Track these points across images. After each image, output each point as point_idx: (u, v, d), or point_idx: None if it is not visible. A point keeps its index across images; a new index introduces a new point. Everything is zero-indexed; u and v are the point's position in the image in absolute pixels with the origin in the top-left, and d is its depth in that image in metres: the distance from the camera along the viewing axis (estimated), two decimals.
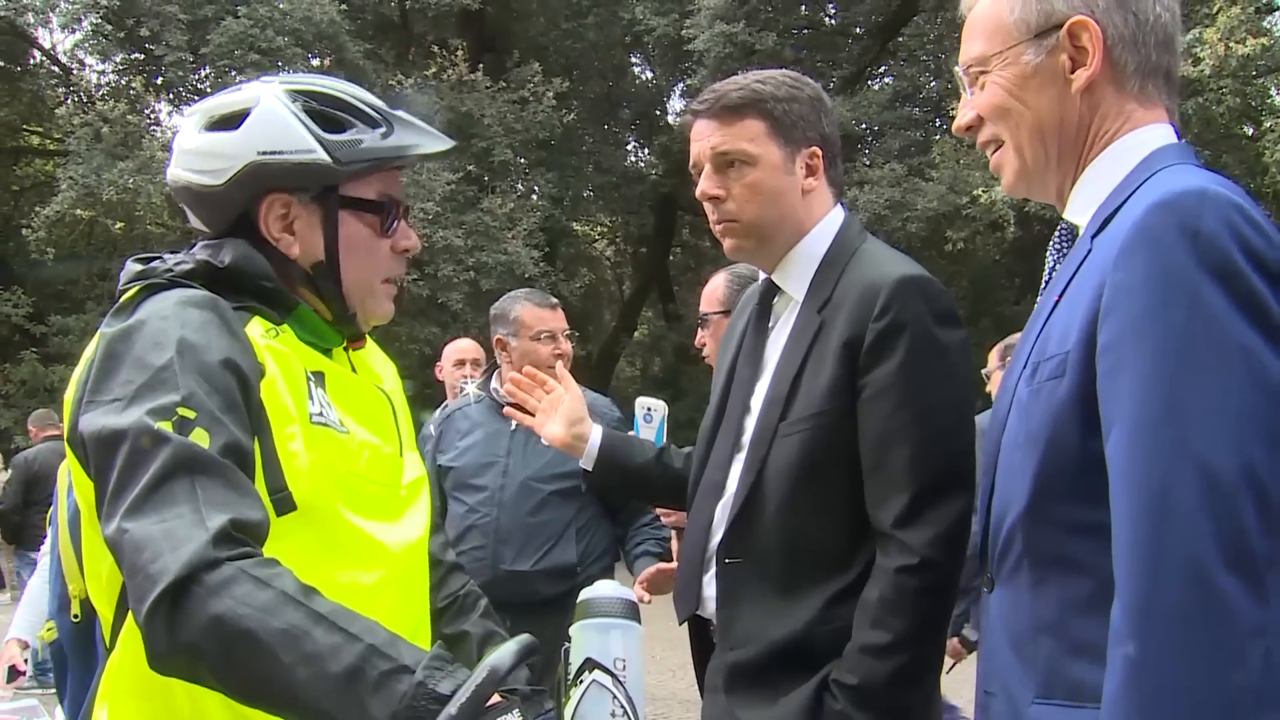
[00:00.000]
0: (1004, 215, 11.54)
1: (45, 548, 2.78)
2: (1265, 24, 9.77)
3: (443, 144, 1.39)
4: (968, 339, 1.65)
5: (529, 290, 3.44)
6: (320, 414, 1.23)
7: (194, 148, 1.32)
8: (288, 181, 1.30)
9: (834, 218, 1.75)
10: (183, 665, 1.01)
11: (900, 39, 16.10)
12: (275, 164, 1.28)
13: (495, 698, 0.94)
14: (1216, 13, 9.43)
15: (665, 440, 2.14)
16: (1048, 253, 1.26)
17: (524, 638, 1.00)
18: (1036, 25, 1.19)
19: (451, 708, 0.91)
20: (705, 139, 1.71)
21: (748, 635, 1.62)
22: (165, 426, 1.06)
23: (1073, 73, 1.19)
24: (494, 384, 3.30)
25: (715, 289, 2.79)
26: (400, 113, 1.37)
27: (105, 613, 1.23)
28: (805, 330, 1.66)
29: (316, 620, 0.97)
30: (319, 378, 1.27)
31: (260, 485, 1.14)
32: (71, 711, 2.55)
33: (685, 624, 1.79)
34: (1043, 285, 1.26)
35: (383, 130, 1.33)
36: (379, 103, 1.37)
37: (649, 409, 2.15)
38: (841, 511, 1.58)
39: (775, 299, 1.78)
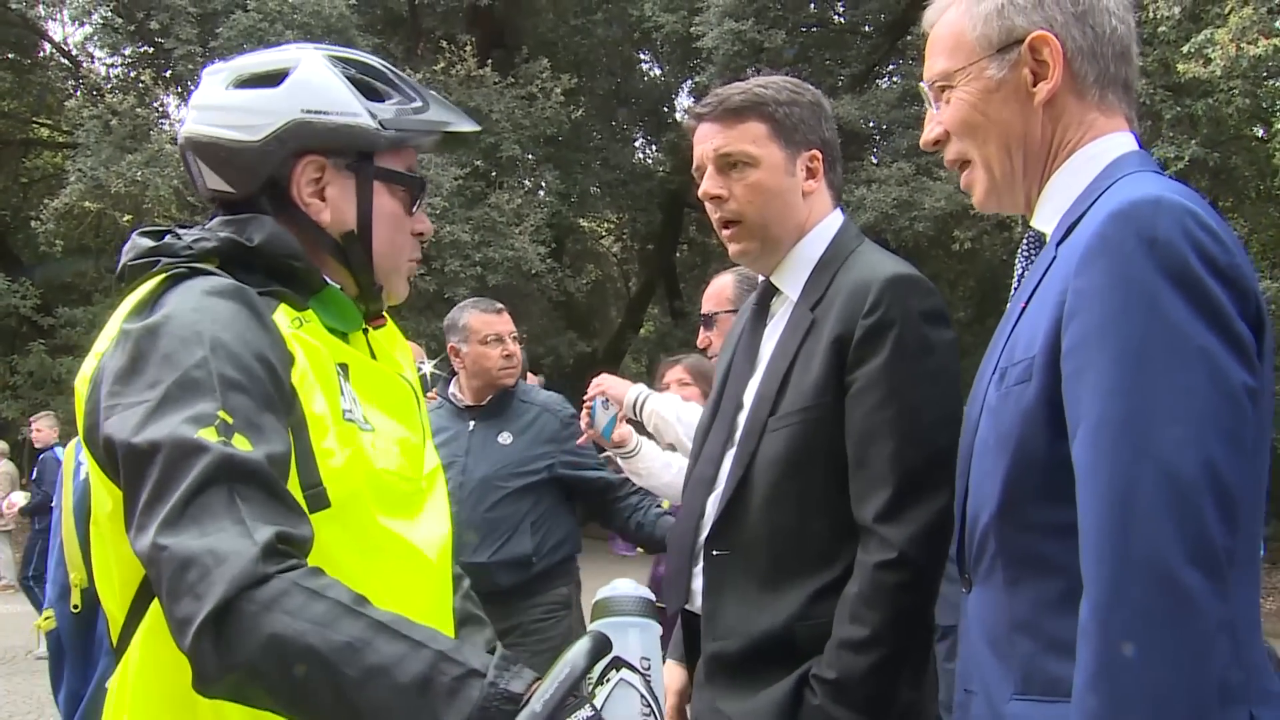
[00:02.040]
0: (1011, 215, 11.50)
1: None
2: (1278, 25, 9.68)
3: (471, 124, 1.37)
4: (956, 339, 1.66)
5: (476, 299, 3.66)
6: (350, 411, 1.19)
7: (225, 104, 1.26)
8: (328, 143, 1.27)
9: (832, 221, 1.78)
10: (234, 687, 0.95)
11: (909, 37, 15.97)
12: (319, 124, 1.25)
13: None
14: (1228, 13, 9.35)
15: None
16: (1017, 259, 1.28)
17: (595, 633, 0.98)
18: (998, 41, 1.22)
19: (536, 704, 0.90)
20: (708, 141, 1.75)
21: (731, 627, 1.63)
22: (206, 434, 1.00)
23: (1035, 86, 1.21)
24: (452, 389, 3.47)
25: (723, 288, 2.78)
26: (430, 91, 1.36)
27: (115, 613, 1.18)
28: (797, 327, 1.68)
29: (378, 630, 0.93)
30: (344, 370, 1.22)
31: (294, 481, 1.09)
32: (68, 708, 2.43)
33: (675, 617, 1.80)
34: (1012, 291, 1.27)
35: (417, 104, 1.32)
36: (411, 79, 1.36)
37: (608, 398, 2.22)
38: (827, 507, 1.60)
39: (773, 299, 1.81)
